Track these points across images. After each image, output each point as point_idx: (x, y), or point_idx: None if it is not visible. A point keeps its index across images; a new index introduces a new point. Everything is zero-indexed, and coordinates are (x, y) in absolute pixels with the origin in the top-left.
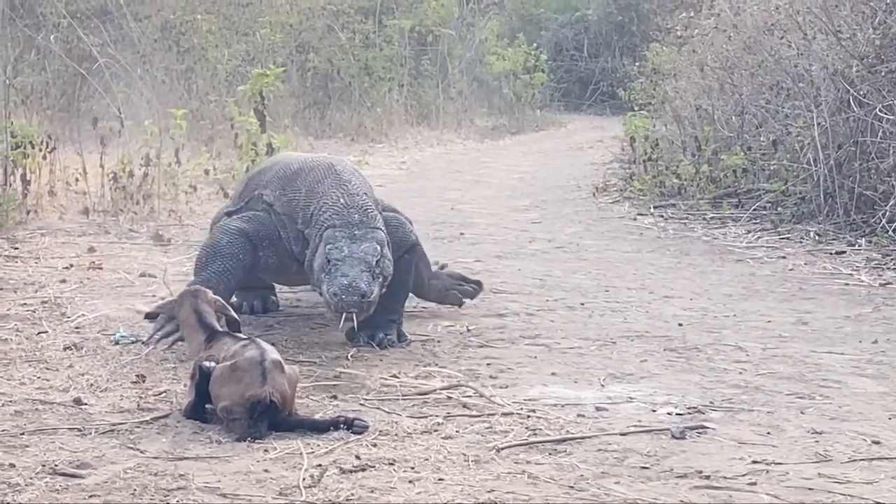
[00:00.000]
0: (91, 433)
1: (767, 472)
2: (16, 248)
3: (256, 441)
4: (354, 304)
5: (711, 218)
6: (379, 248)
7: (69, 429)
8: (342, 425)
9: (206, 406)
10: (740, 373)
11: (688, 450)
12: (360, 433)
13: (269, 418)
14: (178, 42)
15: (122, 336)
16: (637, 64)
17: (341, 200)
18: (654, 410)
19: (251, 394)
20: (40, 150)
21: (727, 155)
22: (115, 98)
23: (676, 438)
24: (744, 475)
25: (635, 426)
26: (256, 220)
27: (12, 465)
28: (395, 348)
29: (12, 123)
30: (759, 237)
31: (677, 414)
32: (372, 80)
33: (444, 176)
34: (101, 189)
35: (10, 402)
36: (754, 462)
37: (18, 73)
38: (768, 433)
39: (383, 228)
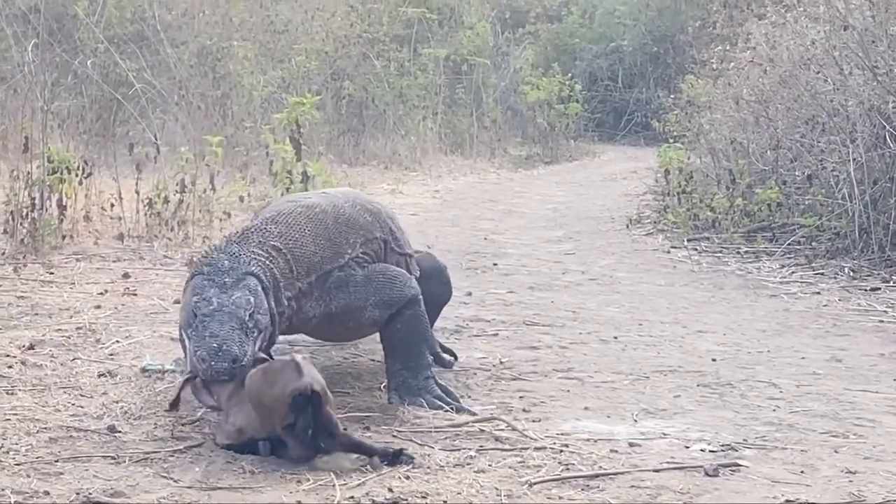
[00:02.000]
0: (125, 461)
1: None
2: (51, 273)
3: (300, 462)
4: (225, 371)
5: (745, 252)
6: (252, 298)
7: (103, 457)
8: (391, 455)
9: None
10: (774, 410)
11: (721, 487)
12: (406, 464)
13: (315, 418)
14: (214, 68)
15: (149, 364)
16: (672, 96)
17: (217, 244)
18: (688, 447)
19: (292, 387)
20: (76, 175)
21: (762, 189)
22: (151, 124)
23: (710, 476)
24: None
25: (668, 462)
26: None
27: (47, 493)
28: (445, 404)
29: (49, 149)
30: (793, 272)
31: (710, 451)
32: (406, 108)
33: (478, 205)
34: (136, 215)
35: (45, 428)
36: (787, 501)
37: (55, 98)
38: (802, 472)
39: (258, 272)
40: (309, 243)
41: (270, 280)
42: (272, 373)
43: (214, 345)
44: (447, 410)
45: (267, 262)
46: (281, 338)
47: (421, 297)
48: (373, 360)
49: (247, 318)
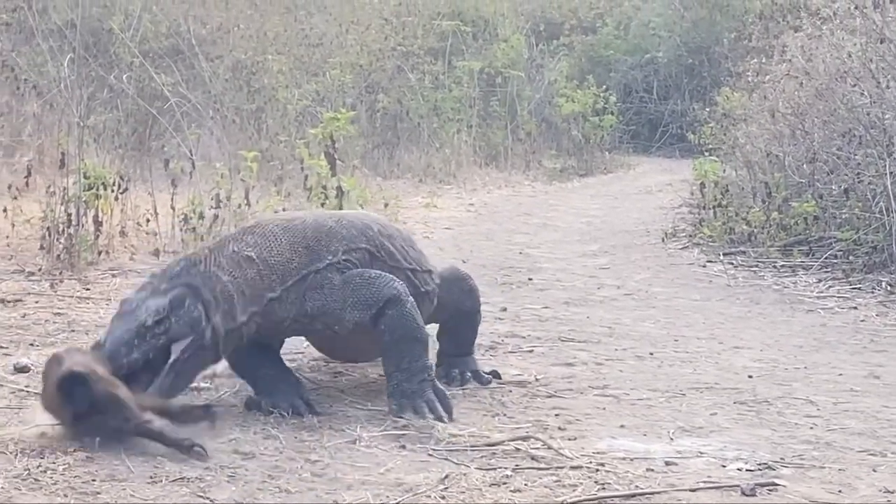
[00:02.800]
0: (161, 481)
1: None
2: (87, 289)
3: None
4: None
5: (782, 266)
6: (168, 307)
7: (140, 476)
8: (186, 448)
9: None
10: (811, 428)
11: None
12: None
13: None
14: (249, 82)
15: None
16: (708, 108)
17: (191, 252)
18: (725, 466)
19: (56, 378)
20: (112, 191)
21: (798, 202)
22: (185, 138)
23: (747, 496)
24: None
25: (705, 482)
26: None
27: None
28: (432, 414)
29: (85, 164)
30: (830, 286)
31: (748, 470)
32: (441, 121)
33: (513, 219)
34: (171, 230)
35: (82, 447)
36: None
37: (91, 112)
38: (840, 491)
39: (197, 285)
40: (285, 251)
41: (220, 295)
42: (44, 375)
43: (101, 341)
44: (435, 419)
45: (227, 275)
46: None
47: (406, 297)
48: None
49: (150, 322)
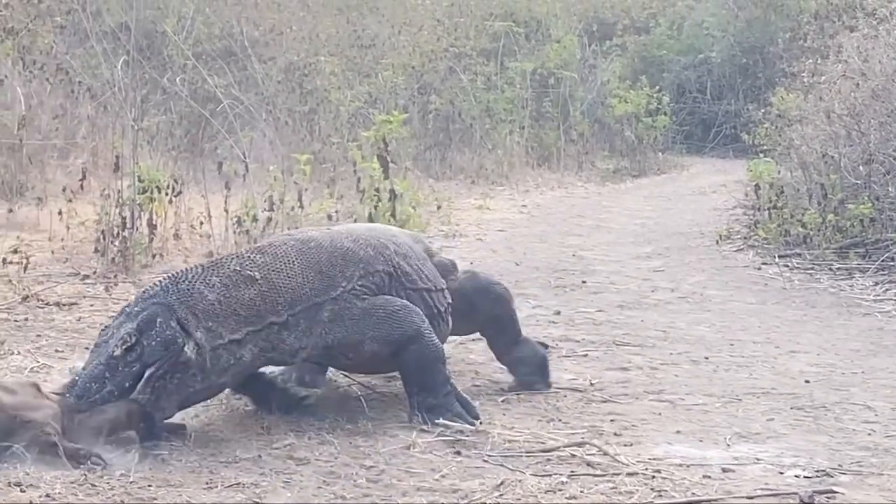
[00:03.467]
0: (217, 486)
1: None
2: None
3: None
4: (72, 406)
5: (838, 269)
6: (137, 332)
7: (195, 482)
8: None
9: None
10: (869, 434)
11: None
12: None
13: None
14: (302, 84)
15: None
16: (762, 110)
17: (183, 269)
18: (782, 472)
19: None
20: (166, 193)
21: (854, 204)
22: (238, 140)
23: (805, 503)
24: None
25: (762, 489)
26: None
27: None
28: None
29: (139, 167)
30: (887, 290)
31: (805, 477)
32: (493, 122)
33: (566, 220)
34: (224, 232)
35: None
36: None
37: (144, 115)
38: None
39: (173, 303)
40: (296, 274)
41: (202, 313)
42: None
43: (74, 377)
44: (462, 425)
45: (214, 294)
46: None
47: (427, 331)
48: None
49: (118, 352)
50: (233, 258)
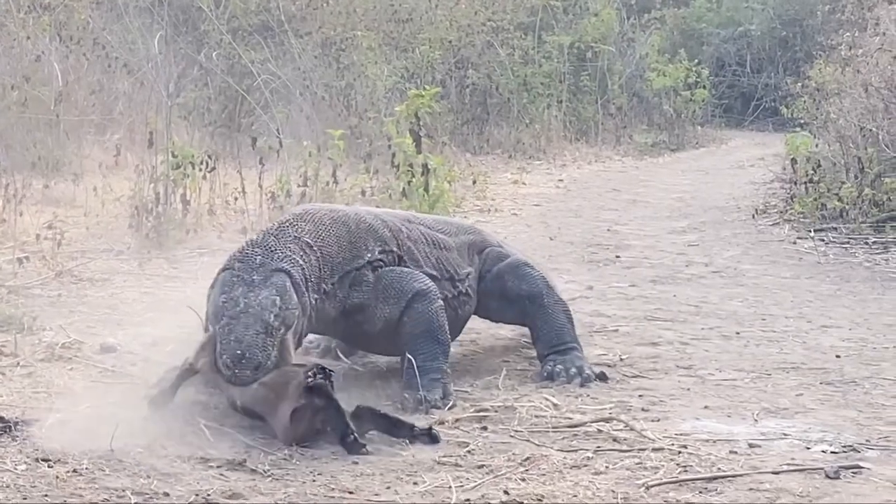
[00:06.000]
0: (245, 465)
1: None
2: (175, 268)
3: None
4: (248, 378)
5: (874, 243)
6: (278, 298)
7: (226, 459)
8: None
9: None
10: None
11: (842, 490)
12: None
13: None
14: (339, 58)
15: None
16: (800, 83)
17: (253, 238)
18: (809, 448)
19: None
20: (200, 169)
21: (891, 178)
22: (273, 116)
23: (830, 478)
24: None
25: (788, 464)
26: None
27: (166, 494)
28: (437, 408)
29: (173, 143)
30: None
31: (832, 452)
32: (531, 97)
33: (602, 195)
34: (259, 208)
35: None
36: None
37: (181, 90)
38: None
39: (288, 268)
40: (333, 244)
41: (302, 276)
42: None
43: (238, 351)
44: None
45: (300, 258)
46: None
47: (435, 295)
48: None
49: (272, 319)
50: (286, 225)
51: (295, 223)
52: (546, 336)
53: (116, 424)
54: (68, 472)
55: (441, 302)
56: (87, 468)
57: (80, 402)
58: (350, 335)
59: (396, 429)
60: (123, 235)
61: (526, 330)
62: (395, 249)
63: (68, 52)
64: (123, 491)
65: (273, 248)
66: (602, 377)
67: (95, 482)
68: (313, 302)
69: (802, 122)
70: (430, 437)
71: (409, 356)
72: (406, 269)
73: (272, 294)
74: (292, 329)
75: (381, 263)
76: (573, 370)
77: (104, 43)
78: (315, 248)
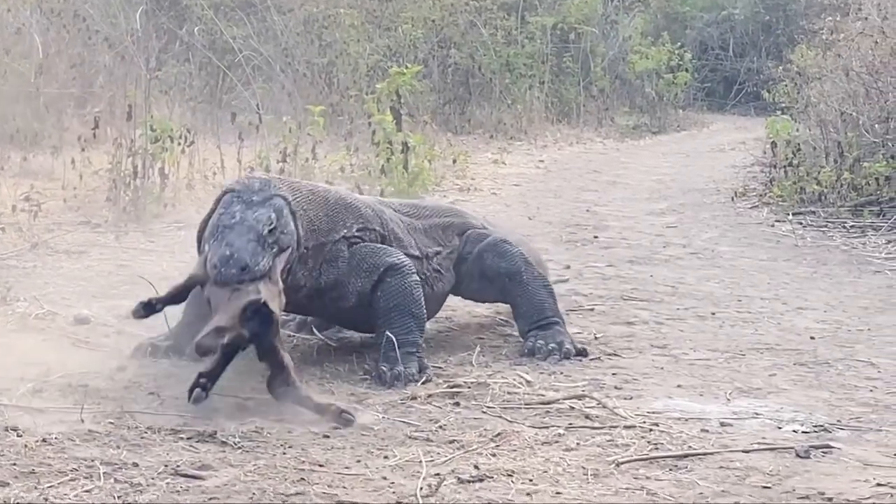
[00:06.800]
0: (216, 435)
1: (892, 495)
2: (151, 242)
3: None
4: (234, 277)
5: (851, 226)
6: (275, 216)
7: (196, 430)
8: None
9: None
10: (871, 390)
11: (811, 470)
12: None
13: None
14: (321, 36)
15: None
16: (781, 67)
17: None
18: (780, 427)
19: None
20: (179, 144)
21: (870, 162)
22: (254, 92)
23: (800, 457)
24: (867, 498)
25: (759, 443)
26: None
27: (135, 465)
28: (414, 382)
29: (152, 117)
30: None
31: (803, 432)
32: (513, 77)
33: (582, 176)
34: None
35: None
36: (879, 485)
37: (162, 65)
38: (895, 455)
39: (289, 198)
40: (310, 209)
41: (297, 207)
42: None
43: (227, 252)
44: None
45: (293, 200)
46: None
47: (408, 269)
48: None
49: (265, 232)
50: (280, 186)
51: (283, 185)
52: (527, 312)
53: (86, 394)
54: (37, 441)
55: (416, 276)
56: (56, 438)
57: (52, 373)
58: (325, 312)
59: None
60: (101, 208)
61: (503, 307)
62: (377, 229)
63: (49, 25)
64: (93, 461)
65: (271, 181)
66: (582, 352)
67: (65, 452)
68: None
69: (784, 106)
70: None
71: (386, 332)
72: (379, 245)
73: (270, 212)
74: (285, 256)
75: (359, 240)
76: (553, 345)
77: (85, 16)
78: (296, 213)
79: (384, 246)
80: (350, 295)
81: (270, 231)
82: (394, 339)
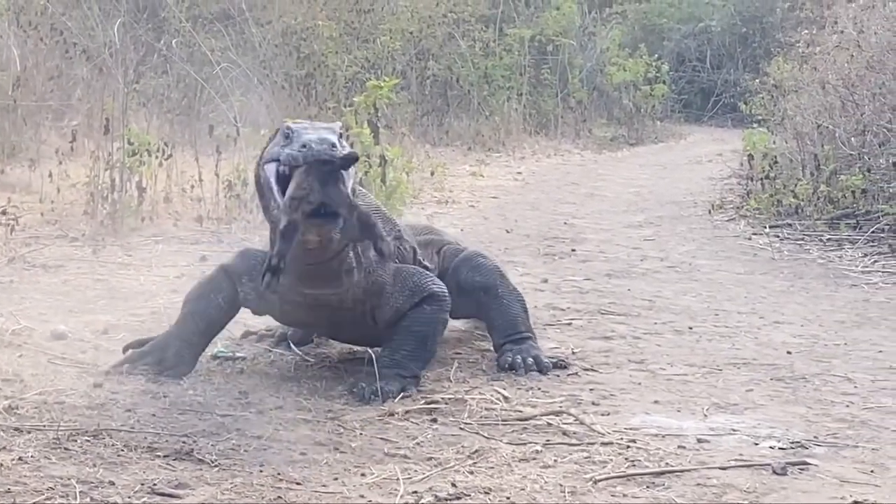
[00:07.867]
0: (193, 453)
1: None
2: (129, 256)
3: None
4: (324, 153)
5: (828, 240)
6: (343, 129)
7: (173, 448)
8: None
9: None
10: (847, 406)
11: (788, 486)
12: None
13: None
14: (299, 48)
15: (220, 352)
16: (758, 79)
17: None
18: (757, 444)
19: None
20: (156, 157)
21: (846, 175)
22: (231, 105)
23: (777, 474)
24: None
25: (736, 460)
26: None
27: (112, 483)
28: (390, 399)
29: (129, 130)
30: (875, 261)
31: (780, 448)
32: (491, 89)
33: (560, 188)
34: (215, 196)
35: (109, 417)
36: (855, 502)
37: (140, 77)
38: (872, 471)
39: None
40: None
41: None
42: None
43: (314, 136)
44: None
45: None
46: None
47: (447, 305)
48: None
49: (341, 131)
50: None
51: None
52: (501, 326)
53: (62, 412)
54: (13, 459)
55: (447, 315)
56: (32, 456)
57: (28, 390)
58: (350, 324)
59: None
60: (78, 222)
61: (479, 322)
62: (408, 240)
63: (26, 38)
64: (69, 479)
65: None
66: (561, 365)
67: (41, 470)
68: None
69: (760, 118)
70: None
71: (392, 347)
72: (425, 271)
73: (337, 128)
74: (355, 166)
75: (398, 248)
76: (530, 360)
77: (63, 29)
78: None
79: (429, 273)
80: (388, 309)
81: (342, 136)
82: (393, 358)
